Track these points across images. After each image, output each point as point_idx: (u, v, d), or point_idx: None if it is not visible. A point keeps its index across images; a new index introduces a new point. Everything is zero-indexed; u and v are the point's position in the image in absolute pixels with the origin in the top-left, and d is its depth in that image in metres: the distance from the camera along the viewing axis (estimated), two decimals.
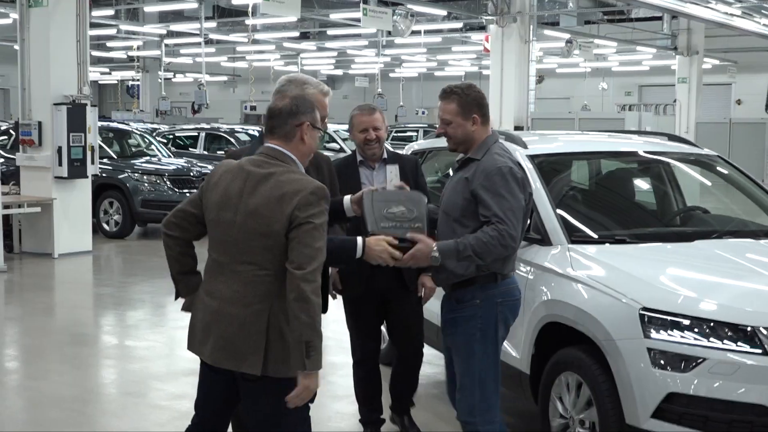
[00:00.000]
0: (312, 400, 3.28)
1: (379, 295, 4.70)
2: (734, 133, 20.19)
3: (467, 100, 3.82)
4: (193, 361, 3.61)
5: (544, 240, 4.61)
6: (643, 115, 20.71)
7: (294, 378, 3.13)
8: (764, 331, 3.77)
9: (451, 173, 4.21)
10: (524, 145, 5.00)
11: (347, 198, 4.03)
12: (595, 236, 4.71)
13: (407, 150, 6.76)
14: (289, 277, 3.10)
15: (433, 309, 5.13)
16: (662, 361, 3.83)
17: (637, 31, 22.58)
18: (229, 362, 3.23)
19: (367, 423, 4.91)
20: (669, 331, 3.87)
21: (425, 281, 4.48)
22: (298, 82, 3.67)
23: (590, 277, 4.26)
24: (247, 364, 3.18)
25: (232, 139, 16.54)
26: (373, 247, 3.57)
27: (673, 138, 5.94)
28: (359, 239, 3.60)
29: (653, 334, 3.87)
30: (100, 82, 37.76)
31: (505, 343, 4.34)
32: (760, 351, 3.74)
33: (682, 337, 3.83)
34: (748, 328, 3.77)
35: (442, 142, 6.21)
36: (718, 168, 5.66)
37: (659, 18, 21.95)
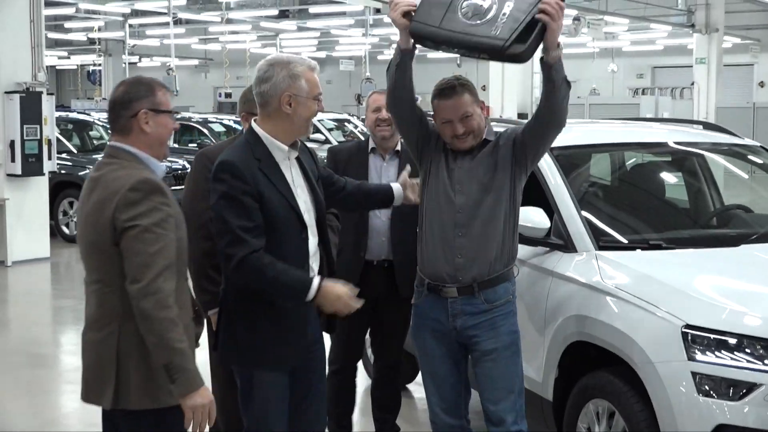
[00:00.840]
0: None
1: (370, 301, 4.48)
2: (758, 118, 20.40)
3: (473, 88, 3.94)
4: None
5: (568, 246, 4.47)
6: (659, 99, 20.69)
7: (179, 405, 3.00)
8: None
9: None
10: None
11: (397, 185, 3.99)
12: (626, 241, 4.57)
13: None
14: (129, 295, 2.96)
15: None
16: (709, 388, 3.67)
17: (650, 7, 22.36)
18: (90, 397, 3.12)
19: None
20: (717, 353, 3.71)
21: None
22: (281, 63, 3.52)
23: (623, 288, 4.10)
24: (104, 399, 3.05)
25: (204, 130, 16.36)
26: (332, 291, 3.45)
27: (708, 126, 5.84)
28: (316, 281, 3.46)
29: (698, 355, 3.72)
30: (57, 67, 37.46)
31: (524, 364, 4.21)
32: None
33: (732, 359, 3.67)
34: None
35: None
36: (760, 159, 5.51)
37: None
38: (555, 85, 3.76)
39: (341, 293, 3.47)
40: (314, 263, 3.65)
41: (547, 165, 4.76)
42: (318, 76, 3.58)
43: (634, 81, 30.83)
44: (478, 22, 3.67)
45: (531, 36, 3.63)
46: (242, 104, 4.31)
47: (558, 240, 4.52)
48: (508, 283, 4.01)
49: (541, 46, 3.70)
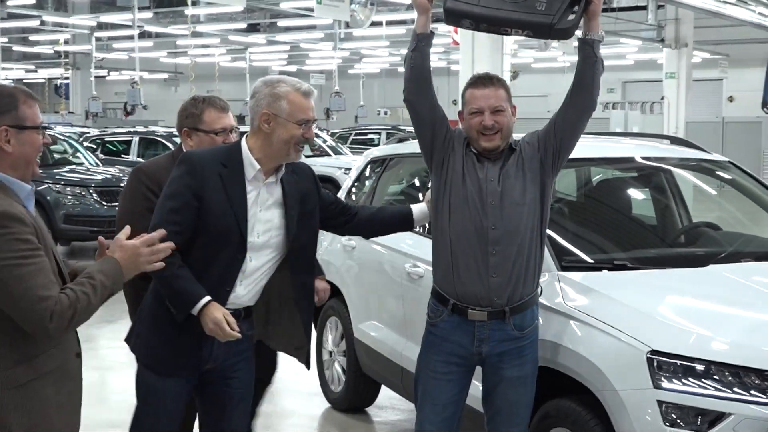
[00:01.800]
0: None
1: None
2: (727, 132, 21.43)
3: (508, 87, 3.83)
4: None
5: None
6: (629, 113, 20.76)
7: None
8: None
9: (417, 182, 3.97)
10: None
11: (420, 206, 3.87)
12: (590, 261, 4.39)
13: (365, 157, 6.48)
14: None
15: (401, 350, 4.93)
16: (676, 417, 3.49)
17: (620, 22, 22.44)
18: None
19: None
20: (684, 380, 3.52)
21: (320, 285, 4.05)
22: (270, 82, 3.45)
23: (585, 312, 3.91)
24: None
25: (169, 144, 15.95)
26: (212, 314, 3.31)
27: (676, 141, 5.70)
28: (204, 300, 3.33)
29: (665, 383, 3.53)
30: (24, 80, 37.05)
31: (480, 388, 4.01)
32: None
33: (699, 386, 3.49)
34: None
35: (406, 148, 6.01)
36: (728, 175, 5.39)
37: (644, 7, 21.67)
38: (596, 61, 3.71)
39: (218, 319, 3.31)
40: (247, 287, 3.49)
41: None
42: (311, 100, 3.45)
43: (605, 95, 30.84)
44: None
45: (577, 11, 3.56)
46: (182, 120, 4.08)
47: None
48: (535, 307, 3.85)
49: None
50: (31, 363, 2.76)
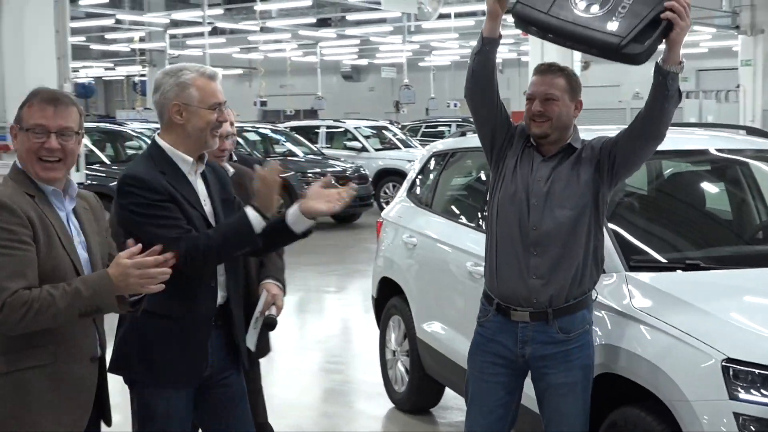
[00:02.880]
0: None
1: None
2: None
3: (575, 81, 3.70)
4: None
5: None
6: (703, 102, 20.37)
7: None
8: None
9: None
10: None
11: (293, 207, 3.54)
12: (662, 260, 4.22)
13: (428, 150, 6.38)
14: None
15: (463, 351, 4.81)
16: (755, 430, 3.34)
17: (694, 9, 22.02)
18: None
19: None
20: (763, 390, 3.32)
21: (270, 288, 3.86)
22: (171, 72, 3.39)
23: (655, 315, 3.73)
24: None
25: (240, 140, 15.98)
26: (259, 191, 3.27)
27: (752, 132, 5.47)
28: (247, 208, 3.26)
29: (742, 394, 3.33)
30: (104, 78, 38.14)
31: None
32: None
33: None
34: None
35: (469, 142, 5.86)
36: None
37: None
38: (669, 94, 3.46)
39: (265, 178, 3.30)
40: (221, 276, 3.47)
41: None
42: (217, 83, 3.40)
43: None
44: (593, 13, 3.35)
45: (652, 36, 3.28)
46: None
47: None
48: (586, 311, 3.75)
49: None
50: (18, 354, 2.83)
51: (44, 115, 2.91)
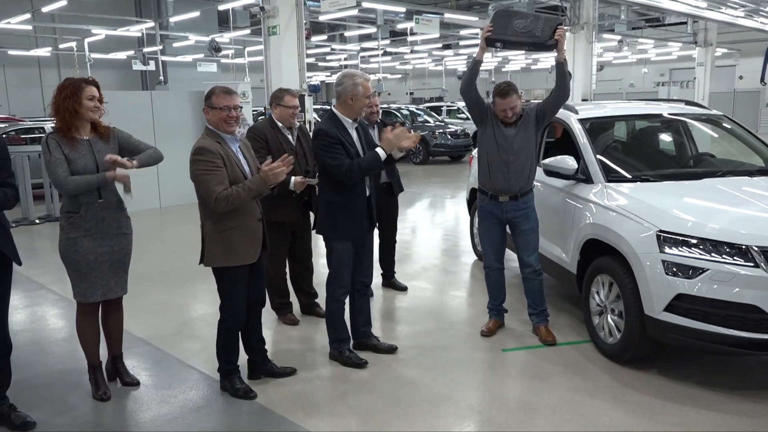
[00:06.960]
0: None
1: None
2: (737, 99, 26.24)
3: (516, 89, 4.60)
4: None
5: (588, 180, 4.63)
6: (671, 89, 21.29)
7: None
8: (756, 249, 3.56)
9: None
10: (575, 111, 5.12)
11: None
12: (628, 176, 4.57)
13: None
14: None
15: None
16: (674, 270, 3.75)
17: (668, 32, 25.78)
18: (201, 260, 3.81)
19: None
20: (679, 248, 3.75)
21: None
22: (349, 75, 4.11)
23: (621, 207, 4.24)
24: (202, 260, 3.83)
25: (397, 114, 19.86)
26: (387, 138, 4.15)
27: (689, 103, 5.82)
28: (378, 150, 4.08)
29: (667, 249, 3.79)
30: (326, 81, 43.73)
31: (559, 250, 4.51)
32: (752, 264, 3.55)
33: (689, 252, 3.69)
34: (743, 246, 3.60)
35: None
36: (724, 124, 5.42)
37: (684, 22, 24.85)
38: (565, 73, 4.28)
39: (390, 140, 4.14)
40: (367, 180, 4.38)
41: (578, 129, 4.95)
42: (369, 84, 4.17)
43: (658, 78, 34.25)
44: (527, 31, 4.49)
45: (553, 40, 4.56)
46: (271, 98, 4.92)
47: (582, 176, 4.70)
48: (532, 194, 4.47)
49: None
50: (221, 220, 3.61)
51: (227, 99, 3.58)
